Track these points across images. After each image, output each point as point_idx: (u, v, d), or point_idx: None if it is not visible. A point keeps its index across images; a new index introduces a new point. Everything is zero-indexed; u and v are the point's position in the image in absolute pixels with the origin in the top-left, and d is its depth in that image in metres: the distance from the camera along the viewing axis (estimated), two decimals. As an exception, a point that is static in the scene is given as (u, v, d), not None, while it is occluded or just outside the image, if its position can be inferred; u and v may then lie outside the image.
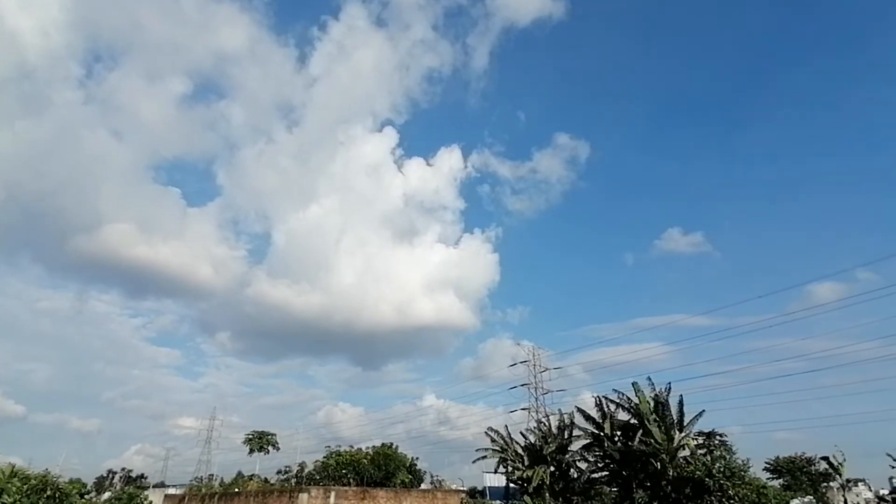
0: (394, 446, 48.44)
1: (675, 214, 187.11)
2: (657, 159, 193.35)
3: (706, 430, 36.65)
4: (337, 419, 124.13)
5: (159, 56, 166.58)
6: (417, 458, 49.36)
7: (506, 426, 38.55)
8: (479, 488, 43.78)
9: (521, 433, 37.77)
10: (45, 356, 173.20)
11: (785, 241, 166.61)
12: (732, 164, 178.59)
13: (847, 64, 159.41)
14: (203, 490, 49.53)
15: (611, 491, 32.35)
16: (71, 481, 36.30)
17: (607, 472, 31.91)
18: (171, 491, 59.29)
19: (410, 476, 45.73)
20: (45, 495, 21.95)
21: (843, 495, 44.90)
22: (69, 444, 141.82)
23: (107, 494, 52.71)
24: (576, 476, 34.14)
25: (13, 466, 18.86)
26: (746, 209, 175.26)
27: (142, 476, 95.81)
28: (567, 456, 34.00)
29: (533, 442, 35.62)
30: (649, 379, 29.85)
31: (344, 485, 39.74)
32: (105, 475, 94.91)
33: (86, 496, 33.85)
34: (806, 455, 48.82)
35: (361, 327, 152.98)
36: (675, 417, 28.47)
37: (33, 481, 25.57)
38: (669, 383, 29.50)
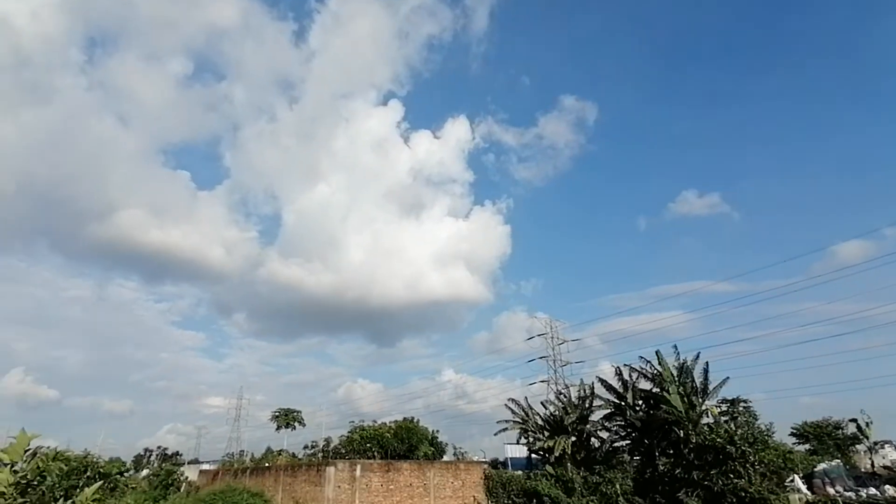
0: (415, 420, 49.39)
1: (689, 175, 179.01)
2: (669, 117, 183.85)
3: (730, 398, 36.56)
4: (357, 395, 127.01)
5: (154, 36, 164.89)
6: (438, 432, 50.33)
7: (525, 398, 38.92)
8: (501, 459, 44.55)
9: (542, 404, 38.09)
10: (76, 342, 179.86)
11: (808, 197, 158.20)
12: (750, 116, 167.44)
13: None
14: (235, 465, 51.39)
15: (632, 459, 32.57)
16: (110, 460, 37.89)
17: (629, 441, 32.10)
18: (206, 466, 61.70)
19: (433, 448, 46.64)
20: (85, 476, 22.98)
21: (871, 458, 44.49)
22: (104, 425, 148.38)
23: (145, 472, 55.10)
24: (597, 445, 34.43)
25: (55, 450, 19.76)
26: (766, 165, 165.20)
27: (177, 453, 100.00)
28: (588, 426, 34.23)
29: (553, 413, 35.90)
30: (675, 347, 29.68)
31: (369, 458, 40.73)
32: (142, 453, 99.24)
33: (125, 474, 35.33)
34: (833, 419, 48.42)
35: (374, 304, 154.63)
36: (698, 385, 28.34)
37: (74, 463, 26.75)
38: (698, 352, 29.26)
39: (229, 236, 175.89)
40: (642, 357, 30.63)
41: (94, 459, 30.36)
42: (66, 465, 23.76)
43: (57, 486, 13.42)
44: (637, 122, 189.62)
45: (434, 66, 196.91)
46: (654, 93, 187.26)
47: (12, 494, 4.75)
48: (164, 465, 54.72)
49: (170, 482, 39.23)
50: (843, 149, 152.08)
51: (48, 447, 19.36)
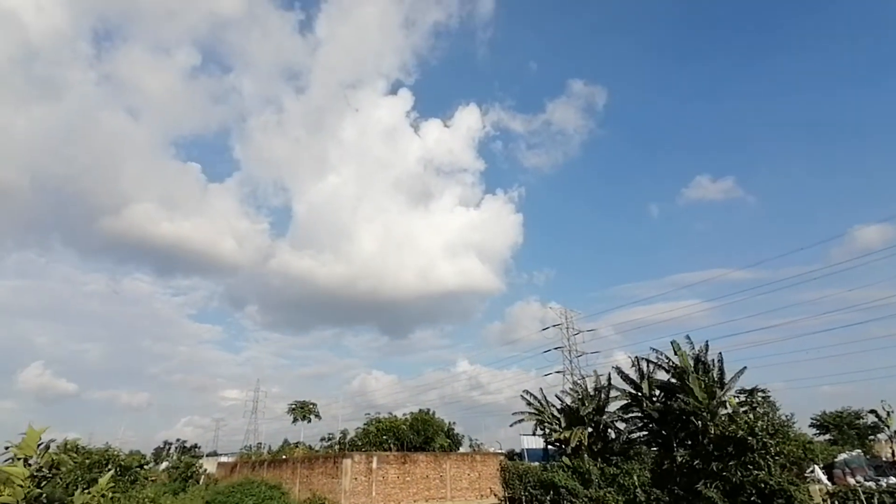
0: (431, 412, 49.46)
1: (703, 159, 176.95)
2: (681, 99, 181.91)
3: (748, 388, 35.99)
4: (371, 387, 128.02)
5: (158, 26, 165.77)
6: (454, 424, 50.38)
7: (541, 389, 38.73)
8: (517, 450, 44.47)
9: (557, 396, 37.86)
10: (95, 336, 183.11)
11: (827, 180, 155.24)
12: (766, 98, 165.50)
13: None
14: (253, 457, 52.01)
15: (650, 450, 32.26)
16: (130, 453, 38.48)
17: (647, 432, 31.80)
18: (224, 459, 62.56)
19: (449, 440, 46.70)
20: (106, 469, 23.31)
21: (892, 447, 43.71)
22: (122, 418, 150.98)
23: (164, 464, 56.02)
24: (614, 436, 34.17)
25: (66, 441, 20.23)
26: (783, 148, 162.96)
27: (195, 446, 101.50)
28: (605, 417, 33.95)
29: (569, 404, 35.67)
30: (688, 337, 29.33)
31: (385, 450, 40.89)
32: (161, 446, 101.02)
33: (145, 467, 35.87)
34: (853, 409, 47.61)
35: (386, 295, 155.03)
36: (715, 375, 27.95)
37: (95, 456, 27.14)
38: (706, 341, 28.98)
39: (240, 228, 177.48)
40: (654, 349, 30.27)
41: (115, 452, 30.80)
42: (87, 459, 24.12)
43: (80, 479, 13.58)
44: (647, 106, 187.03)
45: (441, 53, 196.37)
46: (665, 75, 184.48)
47: (29, 486, 4.75)
48: (182, 457, 55.63)
49: (189, 475, 39.82)
50: (862, 130, 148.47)
51: (64, 439, 19.82)
